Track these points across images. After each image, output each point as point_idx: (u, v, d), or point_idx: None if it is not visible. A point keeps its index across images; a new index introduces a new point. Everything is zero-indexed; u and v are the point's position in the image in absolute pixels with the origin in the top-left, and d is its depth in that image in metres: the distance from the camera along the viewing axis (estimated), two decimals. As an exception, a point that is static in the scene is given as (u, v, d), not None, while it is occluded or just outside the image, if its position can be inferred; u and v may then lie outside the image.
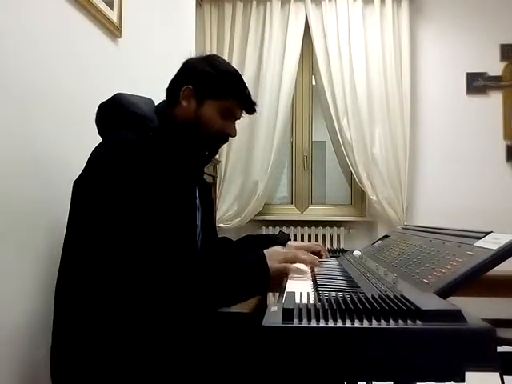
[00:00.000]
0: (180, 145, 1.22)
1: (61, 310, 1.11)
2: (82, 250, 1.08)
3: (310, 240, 3.58)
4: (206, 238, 1.36)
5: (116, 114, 1.20)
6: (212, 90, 1.23)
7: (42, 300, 1.25)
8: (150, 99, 1.29)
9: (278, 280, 1.09)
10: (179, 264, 1.05)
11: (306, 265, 1.18)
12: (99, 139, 1.22)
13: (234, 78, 1.26)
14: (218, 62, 1.27)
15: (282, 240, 1.49)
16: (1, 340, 1.13)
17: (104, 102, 1.24)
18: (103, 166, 1.08)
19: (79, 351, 1.06)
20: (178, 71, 1.29)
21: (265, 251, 1.14)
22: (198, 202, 1.33)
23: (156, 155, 1.12)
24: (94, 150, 1.16)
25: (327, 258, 1.51)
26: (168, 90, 1.29)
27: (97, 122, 1.26)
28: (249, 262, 1.11)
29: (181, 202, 1.19)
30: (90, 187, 1.09)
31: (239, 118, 1.30)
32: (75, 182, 1.15)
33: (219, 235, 1.58)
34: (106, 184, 1.06)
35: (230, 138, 1.30)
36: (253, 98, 1.30)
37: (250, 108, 1.30)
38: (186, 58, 1.30)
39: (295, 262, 1.16)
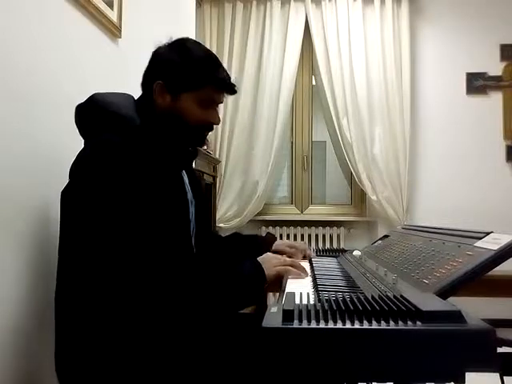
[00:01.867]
0: (164, 142, 1.18)
1: (61, 311, 1.11)
2: (77, 257, 1.07)
3: (310, 240, 3.59)
4: (199, 231, 1.34)
5: (96, 116, 1.16)
6: (185, 83, 1.14)
7: (44, 298, 1.25)
8: (129, 95, 1.23)
9: (276, 282, 1.10)
10: (173, 270, 1.04)
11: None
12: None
13: (207, 64, 1.16)
14: (187, 48, 1.17)
15: (270, 240, 1.51)
16: (1, 338, 1.13)
17: (81, 104, 1.19)
18: (89, 173, 1.05)
19: (83, 350, 1.06)
20: (148, 64, 1.20)
21: (259, 258, 1.13)
22: (190, 195, 1.30)
23: (141, 156, 1.08)
24: (77, 157, 1.11)
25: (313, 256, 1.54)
26: (142, 85, 1.22)
27: (76, 123, 1.22)
28: (247, 274, 1.09)
29: (171, 202, 1.16)
30: (78, 196, 1.06)
31: (222, 102, 1.23)
32: (63, 192, 1.12)
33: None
34: (94, 191, 1.03)
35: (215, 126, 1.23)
36: (231, 76, 1.21)
37: (229, 90, 1.21)
38: (155, 47, 1.20)
39: (294, 267, 1.16)
